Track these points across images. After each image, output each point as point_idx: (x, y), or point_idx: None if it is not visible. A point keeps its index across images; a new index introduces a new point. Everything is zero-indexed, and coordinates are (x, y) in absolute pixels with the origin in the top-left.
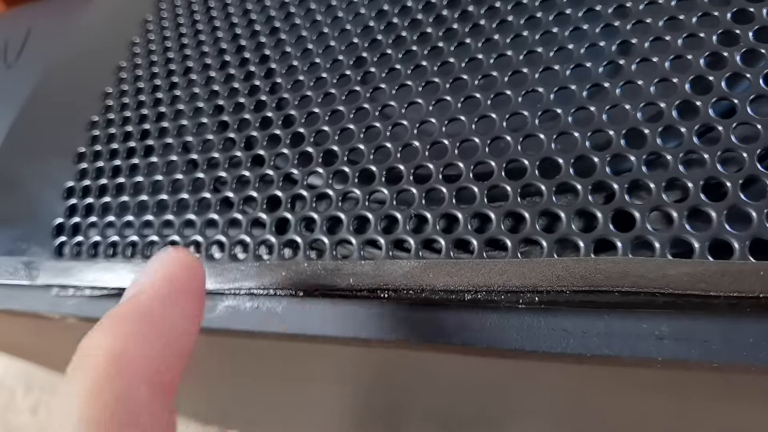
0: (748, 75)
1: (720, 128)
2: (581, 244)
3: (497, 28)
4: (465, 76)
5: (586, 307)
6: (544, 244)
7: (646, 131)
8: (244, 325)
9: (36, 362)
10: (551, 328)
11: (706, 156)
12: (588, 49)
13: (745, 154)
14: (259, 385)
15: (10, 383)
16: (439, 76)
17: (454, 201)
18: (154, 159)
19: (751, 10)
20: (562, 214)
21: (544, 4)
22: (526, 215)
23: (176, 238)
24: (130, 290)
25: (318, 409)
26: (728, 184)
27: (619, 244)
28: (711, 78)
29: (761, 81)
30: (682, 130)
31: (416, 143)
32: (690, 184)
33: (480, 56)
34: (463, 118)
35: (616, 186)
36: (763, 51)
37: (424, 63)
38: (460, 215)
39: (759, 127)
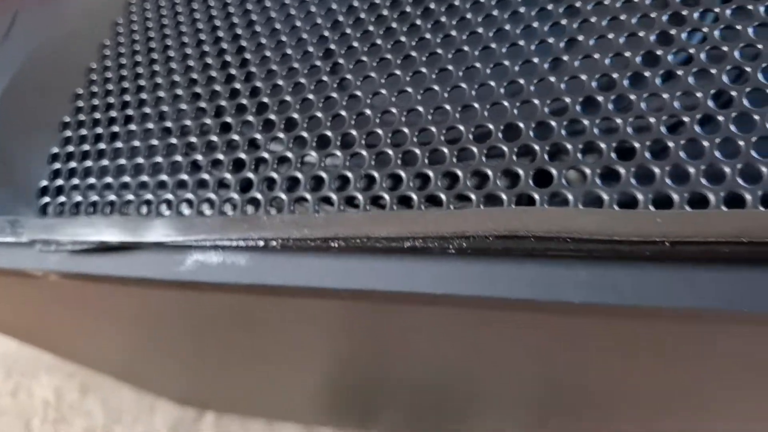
0: (659, 52)
1: (633, 97)
2: (505, 197)
3: (447, 11)
4: (414, 53)
5: (510, 254)
6: (474, 198)
7: (568, 100)
8: (210, 277)
9: (19, 338)
10: (480, 272)
11: (619, 121)
12: (524, 30)
13: (652, 119)
14: (232, 364)
15: None
16: (391, 53)
17: (399, 162)
18: (132, 127)
19: None
20: (490, 173)
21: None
22: (460, 174)
23: (150, 197)
24: None
25: (292, 393)
26: (637, 145)
27: (537, 198)
28: (628, 54)
29: (671, 57)
30: (599, 98)
31: (368, 112)
32: (603, 145)
33: (428, 35)
34: (410, 90)
35: (538, 148)
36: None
37: (379, 42)
38: (404, 175)
39: (665, 96)
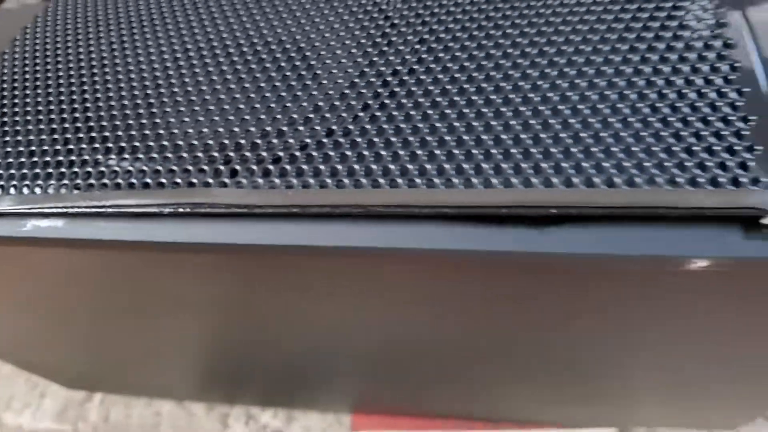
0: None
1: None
2: (197, 182)
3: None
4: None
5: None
6: (181, 182)
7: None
8: (41, 234)
9: None
10: (178, 228)
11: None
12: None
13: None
14: (109, 343)
15: None
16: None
17: (145, 161)
18: None
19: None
20: (191, 169)
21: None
22: (176, 169)
23: (2, 183)
24: None
25: (164, 370)
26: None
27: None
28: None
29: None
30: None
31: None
32: (265, 155)
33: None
34: (160, 121)
35: (217, 155)
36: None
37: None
38: (147, 169)
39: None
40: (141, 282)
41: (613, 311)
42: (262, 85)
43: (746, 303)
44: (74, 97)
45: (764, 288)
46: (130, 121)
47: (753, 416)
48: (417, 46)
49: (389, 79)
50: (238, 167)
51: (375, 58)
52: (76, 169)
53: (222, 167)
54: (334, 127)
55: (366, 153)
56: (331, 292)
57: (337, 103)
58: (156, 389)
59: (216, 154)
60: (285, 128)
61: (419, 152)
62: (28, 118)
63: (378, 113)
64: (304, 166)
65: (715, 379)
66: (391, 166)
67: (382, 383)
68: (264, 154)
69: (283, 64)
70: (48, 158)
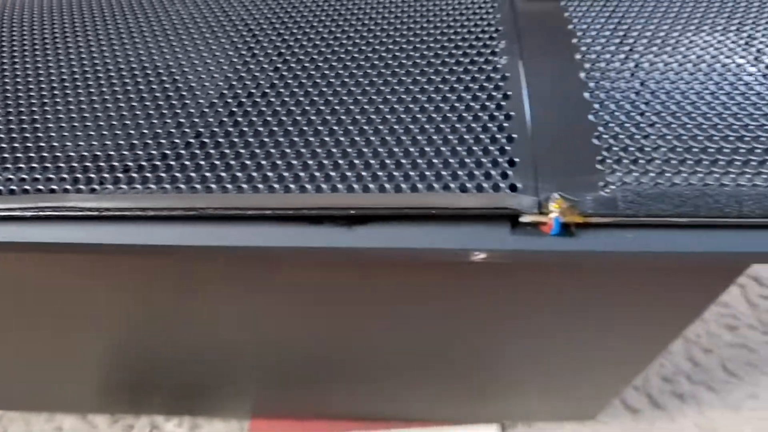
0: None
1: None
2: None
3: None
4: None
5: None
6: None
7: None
8: None
9: None
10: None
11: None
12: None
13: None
14: (7, 357)
15: None
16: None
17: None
18: None
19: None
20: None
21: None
22: (54, 177)
23: None
24: None
25: (65, 383)
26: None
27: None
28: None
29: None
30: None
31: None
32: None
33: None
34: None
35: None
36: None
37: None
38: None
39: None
40: (19, 289)
41: (433, 304)
42: (122, 105)
43: (533, 293)
44: None
45: (536, 277)
46: (2, 135)
47: (603, 405)
48: (263, 85)
49: (230, 101)
50: (93, 176)
51: (225, 91)
52: None
53: (80, 176)
54: (177, 141)
55: (202, 163)
56: (185, 293)
57: (182, 120)
58: (57, 403)
59: (76, 164)
60: (136, 143)
61: (248, 163)
62: None
63: (216, 129)
64: (149, 175)
65: (556, 370)
66: (223, 175)
67: (273, 387)
68: (116, 164)
69: (134, 94)
70: None
